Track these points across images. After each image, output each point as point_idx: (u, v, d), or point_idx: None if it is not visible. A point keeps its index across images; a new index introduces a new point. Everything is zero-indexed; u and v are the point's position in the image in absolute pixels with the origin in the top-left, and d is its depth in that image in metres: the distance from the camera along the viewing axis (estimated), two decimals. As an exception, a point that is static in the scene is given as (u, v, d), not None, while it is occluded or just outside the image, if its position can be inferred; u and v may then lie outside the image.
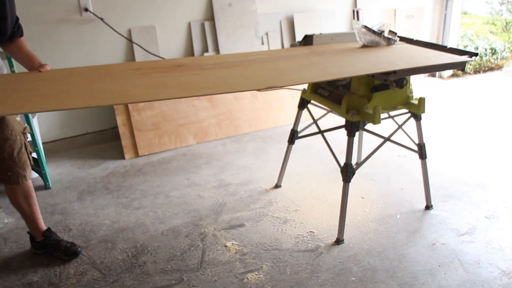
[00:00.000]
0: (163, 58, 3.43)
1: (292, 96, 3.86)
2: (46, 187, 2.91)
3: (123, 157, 3.34)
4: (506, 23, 7.03)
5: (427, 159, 2.44)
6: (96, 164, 3.26)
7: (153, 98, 1.59)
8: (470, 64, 5.14)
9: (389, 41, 2.26)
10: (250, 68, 1.96)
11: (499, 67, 5.59)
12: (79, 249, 2.24)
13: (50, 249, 2.22)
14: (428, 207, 2.53)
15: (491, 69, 5.53)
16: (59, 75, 1.89)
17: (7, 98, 1.54)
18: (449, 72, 5.21)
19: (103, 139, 3.63)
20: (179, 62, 2.10)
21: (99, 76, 1.87)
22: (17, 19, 1.92)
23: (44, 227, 2.24)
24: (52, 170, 3.16)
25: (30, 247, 2.28)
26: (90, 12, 3.21)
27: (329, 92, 2.31)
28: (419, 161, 2.49)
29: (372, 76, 1.92)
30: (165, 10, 3.50)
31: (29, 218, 2.19)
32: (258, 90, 1.74)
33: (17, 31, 1.92)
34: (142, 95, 1.60)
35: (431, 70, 1.96)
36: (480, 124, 3.79)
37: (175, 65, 2.02)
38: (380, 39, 2.24)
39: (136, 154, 3.37)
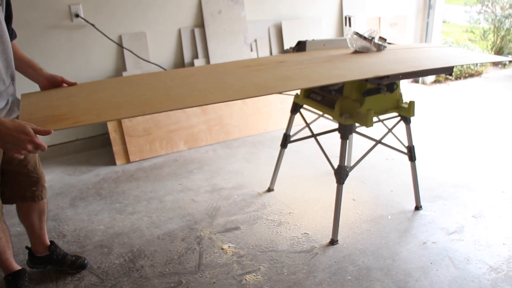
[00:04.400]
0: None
1: (281, 101, 3.91)
2: (37, 193, 2.89)
3: (114, 163, 3.34)
4: (484, 31, 7.26)
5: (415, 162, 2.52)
6: (87, 171, 3.25)
7: (294, 88, 1.80)
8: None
9: (379, 47, 2.33)
10: (344, 63, 2.16)
11: (479, 74, 5.77)
12: (85, 261, 2.17)
13: (55, 264, 2.12)
14: (418, 207, 2.60)
15: (471, 75, 5.70)
16: (186, 74, 2.06)
17: (167, 93, 1.73)
18: (431, 78, 5.35)
19: (94, 145, 3.62)
20: (280, 59, 2.29)
21: (221, 73, 2.04)
22: None
23: (48, 241, 2.12)
24: (43, 177, 3.13)
25: (26, 262, 2.14)
26: (81, 18, 3.22)
27: (322, 97, 2.37)
28: (406, 164, 2.57)
29: (366, 80, 1.99)
30: (155, 17, 3.53)
31: (37, 234, 2.05)
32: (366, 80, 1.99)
33: (12, 33, 1.67)
34: (280, 87, 1.77)
35: (422, 74, 2.05)
36: (463, 128, 3.91)
37: (278, 62, 2.22)
38: (370, 45, 2.31)
39: (127, 160, 3.37)
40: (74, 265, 2.13)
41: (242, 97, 1.69)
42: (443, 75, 5.29)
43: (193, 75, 2.02)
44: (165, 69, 3.64)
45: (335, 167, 2.27)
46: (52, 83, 1.77)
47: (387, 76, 1.90)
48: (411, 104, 2.28)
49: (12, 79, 1.63)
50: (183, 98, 1.67)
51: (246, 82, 1.87)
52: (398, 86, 2.22)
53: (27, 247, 2.11)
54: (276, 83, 1.83)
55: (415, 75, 2.04)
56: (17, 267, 1.96)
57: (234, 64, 2.28)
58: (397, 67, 2.02)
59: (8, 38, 1.56)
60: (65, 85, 1.80)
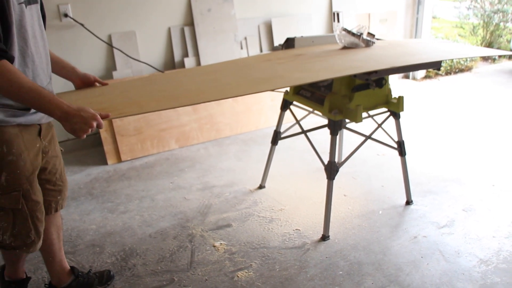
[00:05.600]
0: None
1: (272, 99, 3.92)
2: (28, 194, 2.87)
3: (105, 163, 3.32)
4: (473, 26, 7.31)
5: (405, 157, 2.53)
6: (78, 171, 3.23)
7: (318, 79, 1.88)
8: (442, 66, 5.33)
9: (368, 43, 2.34)
10: (354, 55, 2.22)
11: (469, 69, 5.81)
12: (111, 272, 2.06)
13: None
14: (409, 202, 2.62)
15: (461, 70, 5.74)
16: (209, 70, 2.12)
17: (200, 87, 1.79)
18: (422, 73, 5.38)
19: (84, 145, 3.60)
20: (297, 53, 2.36)
21: (244, 67, 2.11)
22: None
23: (68, 265, 1.93)
24: (33, 178, 3.12)
25: None
26: (70, 17, 3.20)
27: (311, 93, 2.38)
28: (397, 159, 2.59)
29: (354, 76, 1.99)
30: (145, 16, 3.52)
31: (57, 259, 1.86)
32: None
33: None
34: (306, 78, 1.87)
35: (409, 69, 2.06)
36: (453, 123, 3.94)
37: (295, 55, 2.30)
38: (359, 41, 2.32)
39: (119, 160, 3.36)
40: (103, 279, 2.00)
41: (271, 88, 1.77)
42: (433, 70, 5.33)
43: (216, 71, 2.07)
44: (159, 70, 3.62)
45: (326, 163, 2.28)
46: (85, 82, 1.79)
47: (375, 71, 1.91)
48: (400, 99, 2.29)
49: (50, 77, 1.57)
50: (218, 90, 1.73)
51: (272, 75, 1.93)
52: (387, 81, 2.24)
53: (46, 285, 1.95)
54: (301, 74, 1.90)
55: (403, 70, 2.06)
56: (23, 275, 1.90)
57: (255, 58, 2.36)
58: (386, 62, 2.03)
59: (45, 35, 1.54)
60: (97, 84, 1.83)
